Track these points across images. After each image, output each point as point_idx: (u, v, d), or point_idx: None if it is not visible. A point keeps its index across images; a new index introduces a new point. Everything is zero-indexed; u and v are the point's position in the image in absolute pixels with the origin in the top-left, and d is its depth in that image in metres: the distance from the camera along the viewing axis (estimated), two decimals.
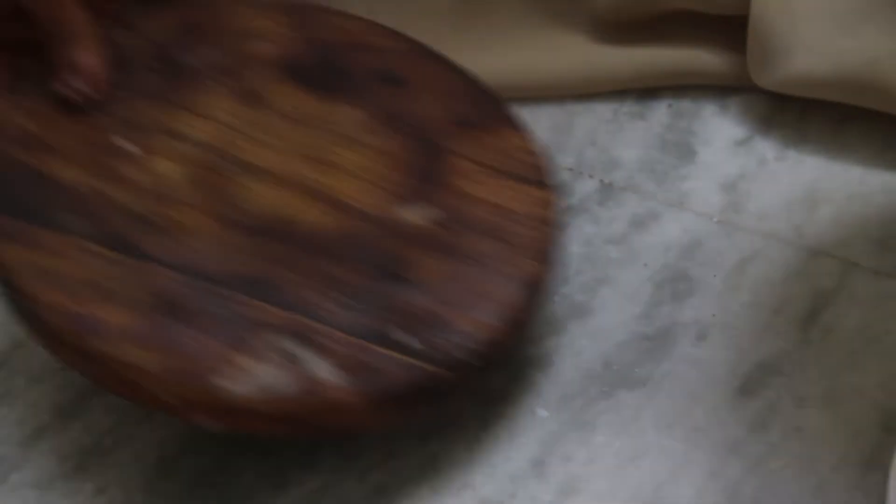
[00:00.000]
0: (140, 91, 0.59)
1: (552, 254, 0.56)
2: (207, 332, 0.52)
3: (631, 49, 0.72)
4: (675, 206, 0.67)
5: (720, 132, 0.71)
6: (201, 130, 0.58)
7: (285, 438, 0.54)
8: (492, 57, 0.72)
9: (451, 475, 0.56)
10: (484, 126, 0.60)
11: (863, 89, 0.66)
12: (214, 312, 0.52)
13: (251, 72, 0.60)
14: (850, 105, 0.71)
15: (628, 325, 0.61)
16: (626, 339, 0.61)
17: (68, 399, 0.59)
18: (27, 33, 0.58)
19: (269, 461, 0.57)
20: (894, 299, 0.62)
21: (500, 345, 0.54)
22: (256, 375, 0.51)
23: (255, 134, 0.58)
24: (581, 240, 0.65)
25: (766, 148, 0.70)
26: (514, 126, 0.61)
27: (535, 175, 0.59)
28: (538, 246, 0.56)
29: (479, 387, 0.55)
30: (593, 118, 0.71)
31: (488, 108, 0.61)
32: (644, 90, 0.73)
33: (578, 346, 0.61)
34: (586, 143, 0.70)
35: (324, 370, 0.51)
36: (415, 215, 0.57)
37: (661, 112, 0.72)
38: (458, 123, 0.60)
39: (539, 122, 0.71)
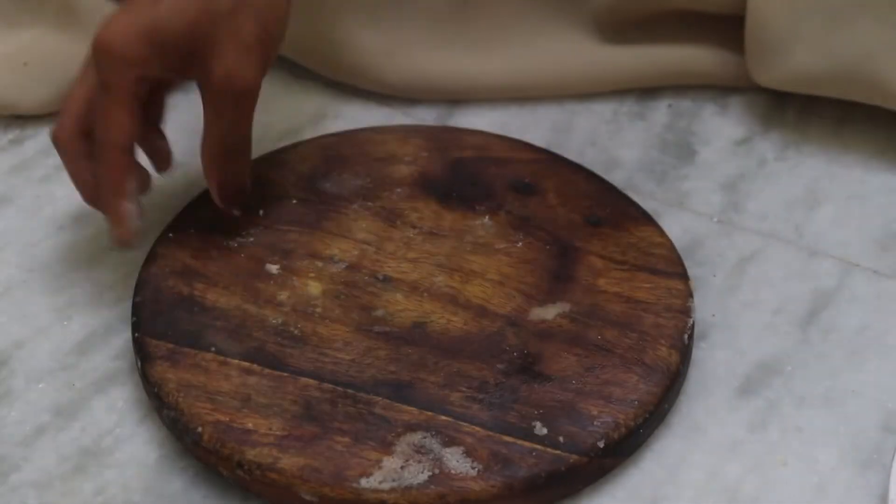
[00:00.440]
0: (287, 220, 0.63)
1: (685, 341, 0.58)
2: (350, 436, 0.54)
3: (631, 50, 0.72)
4: (675, 205, 0.67)
5: (720, 132, 0.71)
6: (342, 250, 0.62)
7: None
8: (492, 57, 0.72)
9: None
10: (614, 223, 0.63)
11: (860, 84, 0.66)
12: (357, 416, 0.55)
13: (391, 193, 0.65)
14: (850, 105, 0.71)
15: None
16: None
17: (68, 399, 0.59)
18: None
19: None
20: (894, 299, 0.62)
21: (634, 431, 0.55)
22: (399, 474, 0.53)
23: (393, 249, 0.62)
24: None
25: (765, 148, 0.70)
26: (643, 221, 0.63)
27: (666, 266, 0.61)
28: (670, 334, 0.58)
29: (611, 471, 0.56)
30: (593, 118, 0.71)
31: (618, 207, 0.64)
32: (644, 90, 0.73)
33: None
34: (586, 143, 0.70)
35: (465, 465, 0.53)
36: (549, 313, 0.59)
37: (660, 112, 0.72)
38: (589, 223, 0.63)
39: (539, 122, 0.71)
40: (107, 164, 0.59)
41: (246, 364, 0.57)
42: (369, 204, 0.64)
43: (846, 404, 0.58)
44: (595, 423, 0.55)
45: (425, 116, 0.72)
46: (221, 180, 0.61)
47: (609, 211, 0.64)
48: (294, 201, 0.64)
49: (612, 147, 0.70)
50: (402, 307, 0.60)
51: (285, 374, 0.57)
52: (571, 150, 0.69)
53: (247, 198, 0.62)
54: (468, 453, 0.54)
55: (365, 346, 0.58)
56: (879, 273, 0.63)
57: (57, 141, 0.61)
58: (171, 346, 0.57)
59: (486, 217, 0.64)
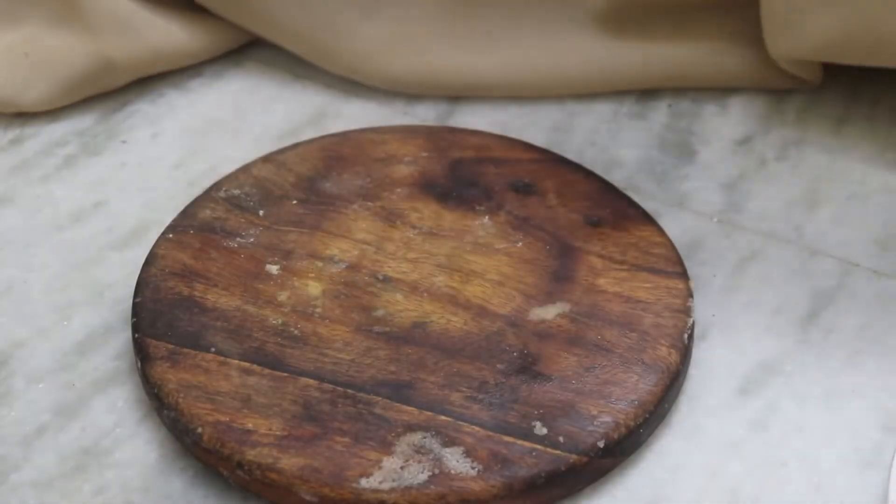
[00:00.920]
0: (287, 220, 0.63)
1: (685, 341, 0.58)
2: (350, 436, 0.54)
3: (632, 50, 0.72)
4: (675, 205, 0.67)
5: (720, 132, 0.71)
6: (342, 250, 0.62)
7: None
8: (495, 52, 0.72)
9: None
10: (614, 223, 0.63)
11: (879, 47, 0.65)
12: (357, 417, 0.55)
13: (390, 193, 0.65)
14: (851, 104, 0.71)
15: None
16: None
17: (68, 399, 0.59)
18: None
19: None
20: (894, 299, 0.62)
21: (634, 431, 0.55)
22: (399, 475, 0.53)
23: (393, 249, 0.62)
24: None
25: (766, 148, 0.70)
26: (643, 221, 0.63)
27: (666, 266, 0.61)
28: (670, 334, 0.58)
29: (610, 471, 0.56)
30: (593, 118, 0.71)
31: (618, 207, 0.64)
32: (644, 90, 0.73)
33: None
34: (586, 143, 0.70)
35: (465, 465, 0.53)
36: (549, 313, 0.59)
37: (661, 112, 0.72)
38: (589, 223, 0.63)
39: (539, 121, 0.71)
40: None
41: (246, 364, 0.57)
42: (369, 204, 0.64)
43: (847, 404, 0.58)
44: (595, 423, 0.55)
45: (425, 116, 0.72)
46: None
47: (609, 211, 0.64)
48: (294, 201, 0.64)
49: (612, 147, 0.70)
50: (401, 307, 0.59)
51: (285, 375, 0.57)
52: (571, 150, 0.69)
53: None
54: (468, 453, 0.54)
55: (365, 346, 0.58)
56: (880, 273, 0.63)
57: None
58: (170, 346, 0.57)
59: (486, 217, 0.64)
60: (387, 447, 0.54)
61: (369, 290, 0.60)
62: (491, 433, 0.54)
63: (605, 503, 0.55)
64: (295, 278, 0.61)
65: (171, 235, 0.62)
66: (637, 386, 0.56)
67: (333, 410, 0.55)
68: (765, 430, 0.57)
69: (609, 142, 0.70)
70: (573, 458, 0.54)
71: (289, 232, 0.63)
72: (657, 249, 0.62)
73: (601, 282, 0.60)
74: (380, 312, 0.59)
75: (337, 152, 0.67)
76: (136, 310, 0.59)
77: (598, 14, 0.72)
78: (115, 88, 0.73)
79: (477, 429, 0.54)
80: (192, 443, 0.55)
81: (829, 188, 0.68)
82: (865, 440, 0.56)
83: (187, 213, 0.63)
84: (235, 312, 0.59)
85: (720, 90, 0.72)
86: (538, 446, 0.54)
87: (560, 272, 0.61)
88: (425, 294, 0.60)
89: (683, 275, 0.61)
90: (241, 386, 0.56)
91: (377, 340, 0.58)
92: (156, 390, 0.56)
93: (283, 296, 0.60)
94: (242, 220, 0.63)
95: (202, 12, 0.74)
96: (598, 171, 0.66)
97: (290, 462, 0.53)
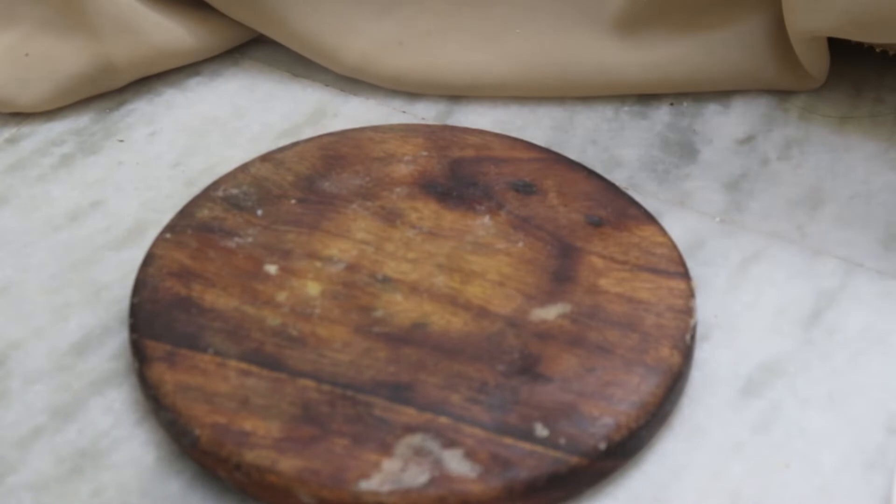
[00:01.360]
0: (286, 220, 0.63)
1: (687, 342, 0.57)
2: (349, 438, 0.54)
3: (637, 53, 0.71)
4: (677, 205, 0.67)
5: (722, 131, 0.71)
6: (341, 250, 0.61)
7: None
8: (498, 57, 0.72)
9: None
10: (615, 223, 0.62)
11: None
12: (356, 418, 0.55)
13: (390, 192, 0.64)
14: (853, 104, 0.71)
15: None
16: None
17: (64, 400, 0.58)
18: None
19: None
20: None
21: (636, 432, 0.55)
22: (399, 477, 0.53)
23: (393, 249, 0.62)
24: None
25: (768, 147, 0.70)
26: (644, 221, 0.63)
27: (668, 266, 0.61)
28: (672, 334, 0.58)
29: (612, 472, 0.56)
30: (594, 117, 0.71)
31: (619, 206, 0.63)
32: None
33: None
34: (587, 142, 0.70)
35: (465, 467, 0.53)
36: (550, 313, 0.59)
37: (662, 111, 0.72)
38: (590, 223, 0.63)
39: (540, 120, 0.70)
40: None
41: (244, 365, 0.57)
42: (368, 204, 0.64)
43: (850, 405, 0.58)
44: (596, 424, 0.54)
45: (425, 115, 0.72)
46: None
47: (610, 210, 0.63)
48: (292, 201, 0.64)
49: (614, 146, 0.70)
50: (401, 308, 0.59)
51: (284, 376, 0.56)
52: (572, 150, 0.69)
53: None
54: (468, 455, 0.53)
55: (364, 346, 0.58)
56: (883, 273, 0.63)
57: None
58: (168, 347, 0.57)
59: (487, 217, 0.63)
60: (386, 449, 0.53)
61: (369, 291, 0.60)
62: (491, 435, 0.54)
63: None
64: (294, 278, 0.60)
65: (168, 235, 0.62)
66: (639, 387, 0.56)
67: (332, 412, 0.55)
68: (767, 431, 0.57)
69: (610, 141, 0.70)
70: (574, 459, 0.53)
71: (287, 232, 0.62)
72: (659, 249, 0.61)
73: (602, 282, 0.60)
74: (379, 313, 0.59)
75: (336, 151, 0.67)
76: (134, 310, 0.59)
77: (603, 16, 0.72)
78: (114, 89, 0.73)
79: (477, 430, 0.54)
80: (190, 444, 0.54)
81: (833, 188, 0.67)
82: (869, 441, 0.56)
83: (185, 212, 0.63)
84: (234, 313, 0.59)
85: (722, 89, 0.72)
86: (539, 448, 0.53)
87: (561, 272, 0.60)
88: (425, 294, 0.60)
89: (685, 275, 0.60)
90: (239, 387, 0.56)
91: (376, 341, 0.58)
92: (153, 391, 0.56)
93: (281, 296, 0.59)
94: (241, 219, 0.63)
95: (203, 11, 0.73)
96: (600, 170, 0.66)
97: (288, 464, 0.53)
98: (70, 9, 0.72)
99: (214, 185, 0.65)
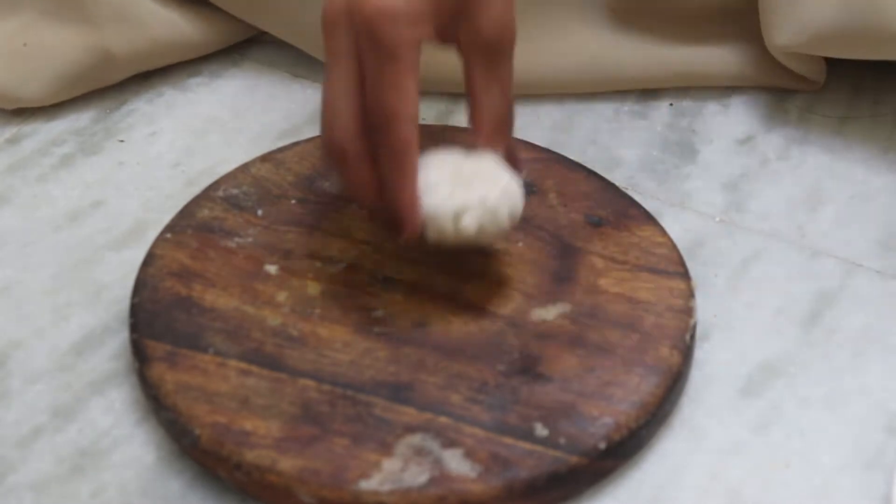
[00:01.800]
0: (286, 220, 0.63)
1: (686, 342, 0.58)
2: (349, 437, 0.54)
3: (636, 49, 0.71)
4: (677, 205, 0.67)
5: (722, 131, 0.71)
6: (341, 250, 0.62)
7: None
8: None
9: None
10: (615, 223, 0.63)
11: (875, 39, 0.65)
12: (356, 418, 0.55)
13: None
14: (852, 104, 0.71)
15: None
16: None
17: (65, 400, 0.58)
18: None
19: None
20: None
21: (635, 432, 0.55)
22: (399, 476, 0.53)
23: (393, 249, 0.61)
24: None
25: (768, 147, 0.70)
26: (644, 221, 0.63)
27: (668, 266, 0.61)
28: (672, 334, 0.58)
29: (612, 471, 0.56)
30: (594, 117, 0.71)
31: (619, 206, 0.64)
32: (645, 89, 0.73)
33: None
34: (587, 142, 0.70)
35: (465, 467, 0.53)
36: (550, 313, 0.59)
37: (662, 111, 0.72)
38: (590, 223, 0.63)
39: (540, 121, 0.70)
40: (401, 142, 0.54)
41: (244, 365, 0.57)
42: None
43: (849, 405, 0.58)
44: (596, 424, 0.54)
45: (425, 116, 0.72)
46: (507, 147, 0.57)
47: (610, 211, 0.63)
48: (293, 201, 0.64)
49: (614, 146, 0.70)
50: (401, 308, 0.59)
51: (284, 376, 0.56)
52: (572, 150, 0.69)
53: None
54: (468, 455, 0.53)
55: (364, 346, 0.58)
56: (882, 273, 0.63)
57: (339, 144, 0.55)
58: (169, 347, 0.57)
59: None
60: (386, 449, 0.54)
61: (369, 291, 0.60)
62: (491, 434, 0.54)
63: None
64: (294, 278, 0.60)
65: (169, 235, 0.62)
66: (638, 387, 0.56)
67: (333, 412, 0.55)
68: (767, 431, 0.57)
69: (610, 141, 0.70)
70: (574, 459, 0.53)
71: (287, 232, 0.62)
72: (659, 249, 0.61)
73: (602, 282, 0.60)
74: (379, 313, 0.59)
75: None
76: (134, 310, 0.59)
77: (602, 13, 0.72)
78: (114, 82, 0.73)
79: (477, 430, 0.54)
80: (190, 444, 0.55)
81: (832, 188, 0.67)
82: (868, 441, 0.56)
83: (185, 212, 0.63)
84: (234, 313, 0.59)
85: (722, 89, 0.72)
86: (539, 448, 0.54)
87: (561, 272, 0.60)
88: (425, 294, 0.60)
89: (685, 275, 0.60)
90: (239, 387, 0.56)
91: (377, 341, 0.58)
92: (154, 391, 0.56)
93: (281, 296, 0.60)
94: (241, 219, 0.63)
95: (205, 4, 0.73)
96: (600, 170, 0.66)
97: (288, 464, 0.53)
98: (69, 1, 0.72)
99: (215, 186, 0.65)
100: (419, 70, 0.55)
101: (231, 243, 0.62)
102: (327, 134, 0.56)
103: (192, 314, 0.59)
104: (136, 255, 0.62)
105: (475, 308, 0.59)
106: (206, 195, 0.64)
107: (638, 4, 0.71)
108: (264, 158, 0.66)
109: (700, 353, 0.60)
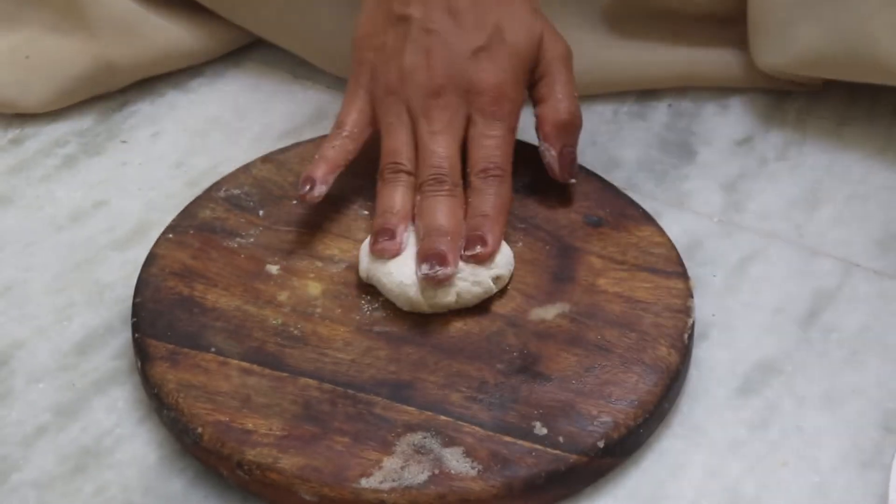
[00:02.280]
0: (287, 220, 0.63)
1: (685, 341, 0.58)
2: (350, 436, 0.54)
3: (635, 51, 0.72)
4: (676, 205, 0.67)
5: (720, 132, 0.71)
6: (342, 250, 0.62)
7: None
8: None
9: None
10: (614, 223, 0.63)
11: (862, 63, 0.66)
12: (357, 417, 0.55)
13: None
14: (850, 104, 0.71)
15: None
16: None
17: (68, 399, 0.58)
18: None
19: None
20: (894, 299, 0.62)
21: (634, 431, 0.55)
22: (399, 475, 0.53)
23: None
24: None
25: (766, 148, 0.70)
26: (643, 221, 0.63)
27: (666, 266, 0.61)
28: (670, 334, 0.58)
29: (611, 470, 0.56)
30: (593, 118, 0.71)
31: (618, 207, 0.64)
32: (644, 90, 0.73)
33: None
34: (587, 142, 0.70)
35: (465, 465, 0.53)
36: (549, 313, 0.59)
37: (661, 112, 0.72)
38: (589, 223, 0.63)
39: None
40: (508, 197, 0.61)
41: (246, 364, 0.57)
42: (369, 204, 0.64)
43: (847, 404, 0.58)
44: (595, 423, 0.55)
45: None
46: (568, 150, 0.63)
47: (609, 211, 0.64)
48: (294, 202, 0.64)
49: (613, 147, 0.70)
50: (402, 308, 0.59)
51: (285, 375, 0.57)
52: None
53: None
54: (468, 453, 0.54)
55: (365, 346, 0.58)
56: (880, 273, 0.63)
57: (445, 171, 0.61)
58: (171, 346, 0.57)
59: None
60: (387, 447, 0.54)
61: (369, 290, 0.60)
62: (491, 433, 0.54)
63: (605, 503, 0.55)
64: (295, 278, 0.61)
65: (171, 235, 0.62)
66: (637, 386, 0.56)
67: (333, 410, 0.55)
68: (765, 429, 0.57)
69: (609, 142, 0.70)
70: (573, 458, 0.54)
71: (289, 232, 0.63)
72: (657, 249, 0.62)
73: (601, 282, 0.60)
74: (380, 313, 0.59)
75: None
76: (136, 310, 0.59)
77: (601, 14, 0.72)
78: (115, 90, 0.73)
79: (477, 429, 0.54)
80: (192, 443, 0.55)
81: (830, 188, 0.68)
82: (865, 440, 0.56)
83: (187, 212, 0.63)
84: (235, 312, 0.59)
85: (720, 90, 0.72)
86: (538, 446, 0.54)
87: (560, 272, 0.61)
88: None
89: (683, 275, 0.61)
90: (240, 386, 0.56)
91: (377, 340, 0.58)
92: (156, 390, 0.56)
93: (283, 296, 0.60)
94: (242, 219, 0.63)
95: (203, 13, 0.74)
96: (599, 170, 0.66)
97: (290, 462, 0.53)
98: (71, 11, 0.72)
99: (216, 186, 0.65)
100: None
101: (233, 243, 0.62)
102: (434, 171, 0.60)
103: (193, 314, 0.59)
104: (139, 255, 0.63)
105: (475, 308, 0.59)
106: (207, 195, 0.64)
107: (636, 8, 0.71)
108: (266, 159, 0.66)
109: (698, 352, 0.60)
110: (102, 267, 0.64)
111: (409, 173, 0.60)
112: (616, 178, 0.67)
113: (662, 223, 0.64)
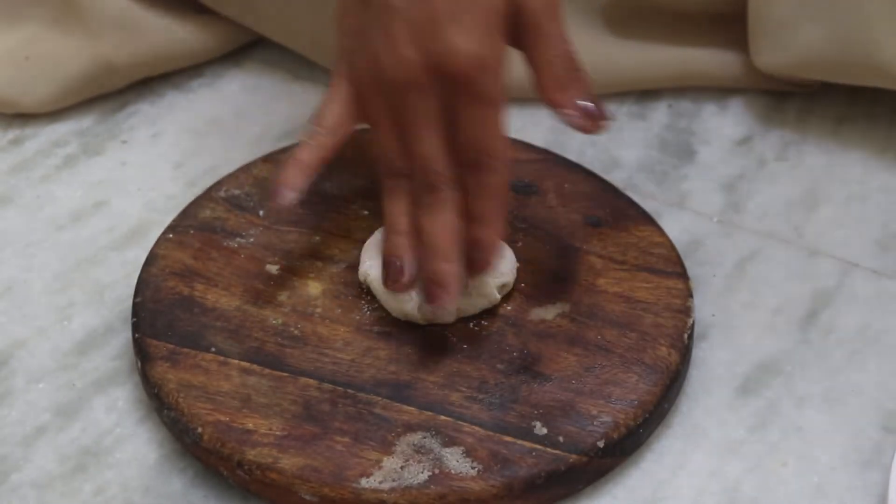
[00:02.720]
0: (287, 220, 0.63)
1: (684, 341, 0.58)
2: (350, 436, 0.54)
3: (634, 50, 0.72)
4: (675, 205, 0.67)
5: (720, 132, 0.71)
6: (342, 250, 0.62)
7: None
8: None
9: None
10: (614, 223, 0.63)
11: (862, 67, 0.66)
12: (357, 416, 0.55)
13: None
14: (850, 105, 0.71)
15: None
16: None
17: (68, 399, 0.59)
18: None
19: None
20: (894, 299, 0.62)
21: (634, 431, 0.55)
22: (399, 474, 0.53)
23: None
24: None
25: (765, 148, 0.70)
26: (643, 221, 0.63)
27: (666, 266, 0.61)
28: (670, 334, 0.58)
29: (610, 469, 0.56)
30: None
31: (618, 207, 0.64)
32: (644, 90, 0.73)
33: None
34: (587, 143, 0.70)
35: (465, 465, 0.53)
36: (549, 313, 0.59)
37: (660, 112, 0.72)
38: (589, 223, 0.63)
39: (539, 122, 0.71)
40: (503, 185, 0.55)
41: (246, 364, 0.57)
42: (369, 204, 0.64)
43: (846, 404, 0.58)
44: (595, 422, 0.55)
45: None
46: (582, 102, 0.56)
47: (609, 211, 0.64)
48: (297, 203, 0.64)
49: (612, 147, 0.70)
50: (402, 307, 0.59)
51: (285, 375, 0.57)
52: (571, 151, 0.69)
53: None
54: (468, 453, 0.54)
55: (365, 346, 0.58)
56: (879, 273, 0.63)
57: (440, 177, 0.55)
58: (171, 346, 0.58)
59: None
60: (387, 447, 0.54)
61: (369, 290, 0.60)
62: (491, 433, 0.54)
63: (604, 503, 0.55)
64: (295, 278, 0.61)
65: (171, 235, 0.62)
66: (637, 386, 0.56)
67: (333, 410, 0.55)
68: (765, 429, 0.57)
69: (609, 142, 0.70)
70: (573, 457, 0.54)
71: (289, 232, 0.63)
72: (657, 249, 0.62)
73: (601, 282, 0.60)
74: (380, 312, 0.59)
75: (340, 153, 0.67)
76: (137, 310, 0.59)
77: (600, 14, 0.72)
78: (115, 90, 0.73)
79: (477, 429, 0.55)
80: (192, 443, 0.55)
81: (829, 188, 0.68)
82: (865, 440, 0.56)
83: (187, 212, 0.64)
84: (235, 312, 0.59)
85: (720, 90, 0.72)
86: (538, 446, 0.54)
87: (560, 272, 0.61)
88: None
89: (683, 275, 0.61)
90: (241, 386, 0.56)
91: (377, 340, 0.58)
92: (156, 390, 0.56)
93: (283, 296, 0.60)
94: (242, 219, 0.63)
95: (203, 13, 0.74)
96: (599, 171, 0.66)
97: (290, 462, 0.53)
98: (71, 11, 0.72)
99: (216, 186, 0.65)
100: None
101: (233, 243, 0.62)
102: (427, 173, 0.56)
103: (194, 314, 0.59)
104: (139, 254, 0.63)
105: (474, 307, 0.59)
106: (207, 195, 0.64)
107: (636, 8, 0.71)
108: (266, 159, 0.66)
109: (698, 352, 0.60)
110: (102, 267, 0.64)
111: (405, 175, 0.57)
112: (616, 179, 0.67)
113: (662, 223, 0.64)
